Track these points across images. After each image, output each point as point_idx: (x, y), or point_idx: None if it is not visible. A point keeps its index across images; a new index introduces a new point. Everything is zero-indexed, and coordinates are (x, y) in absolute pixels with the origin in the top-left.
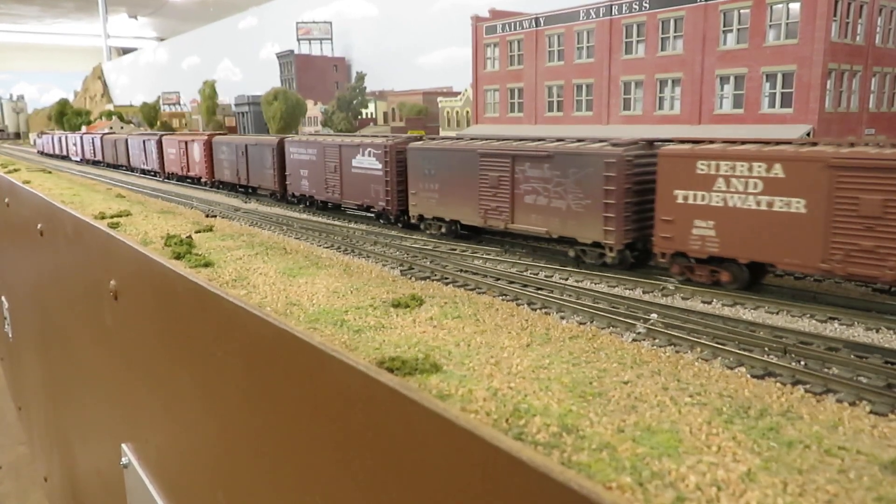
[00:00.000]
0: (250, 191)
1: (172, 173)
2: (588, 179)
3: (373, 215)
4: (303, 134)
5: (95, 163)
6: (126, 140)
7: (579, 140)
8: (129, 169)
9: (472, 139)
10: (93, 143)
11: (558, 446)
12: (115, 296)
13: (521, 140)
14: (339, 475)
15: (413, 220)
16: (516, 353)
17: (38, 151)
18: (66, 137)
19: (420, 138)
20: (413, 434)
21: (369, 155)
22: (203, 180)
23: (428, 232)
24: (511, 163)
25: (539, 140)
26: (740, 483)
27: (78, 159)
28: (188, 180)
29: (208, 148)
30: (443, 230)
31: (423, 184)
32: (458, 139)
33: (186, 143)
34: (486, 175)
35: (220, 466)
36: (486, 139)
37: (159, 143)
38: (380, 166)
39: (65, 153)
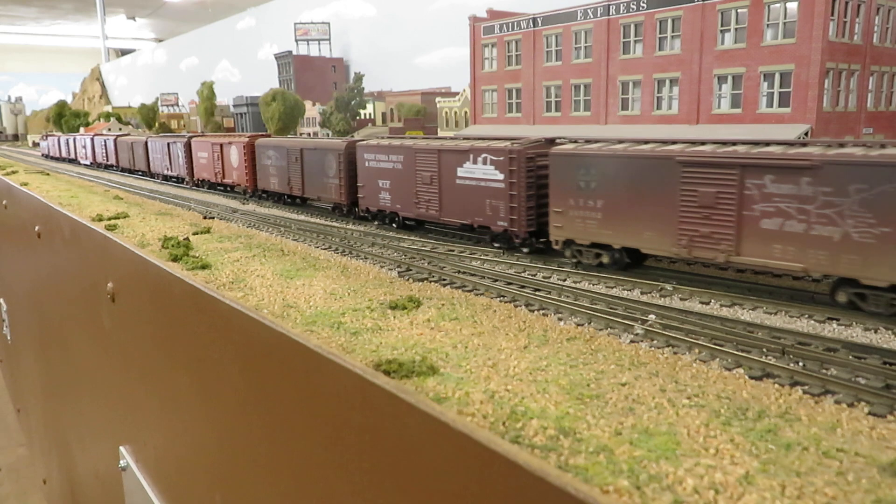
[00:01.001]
0: (299, 202)
1: (203, 180)
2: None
3: (483, 236)
4: (380, 136)
5: (107, 167)
6: (146, 143)
7: (856, 144)
8: (150, 175)
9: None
10: (105, 145)
11: (555, 449)
12: (112, 298)
13: (715, 143)
14: (336, 477)
15: (555, 246)
16: (514, 355)
17: (43, 155)
18: (75, 140)
19: (572, 141)
20: (409, 437)
21: (485, 163)
22: (242, 189)
23: (575, 260)
24: (739, 175)
25: (754, 143)
26: (738, 486)
27: (87, 163)
28: (220, 188)
29: (250, 152)
30: (603, 259)
31: (576, 200)
32: (631, 142)
33: (222, 146)
34: (694, 190)
35: (218, 468)
36: (622, 141)
37: (188, 147)
38: (501, 177)
39: (73, 156)
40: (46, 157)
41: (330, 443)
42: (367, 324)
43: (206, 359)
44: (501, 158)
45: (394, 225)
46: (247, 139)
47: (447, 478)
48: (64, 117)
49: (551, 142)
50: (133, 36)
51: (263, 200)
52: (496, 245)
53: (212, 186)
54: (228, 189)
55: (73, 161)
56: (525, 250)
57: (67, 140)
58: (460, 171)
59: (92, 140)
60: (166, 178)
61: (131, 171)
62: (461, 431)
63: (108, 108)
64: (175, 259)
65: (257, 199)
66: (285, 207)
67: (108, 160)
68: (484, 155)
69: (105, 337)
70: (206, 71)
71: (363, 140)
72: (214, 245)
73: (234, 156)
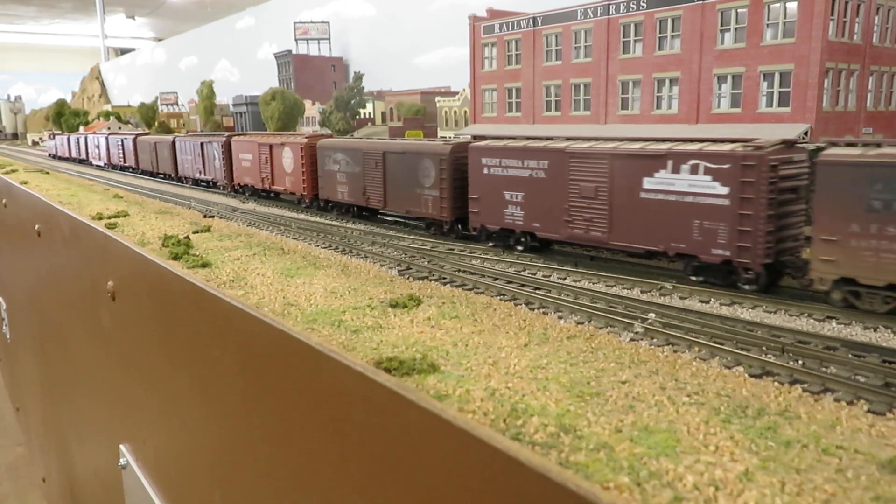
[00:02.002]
0: (365, 214)
1: (245, 185)
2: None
3: (672, 268)
4: (504, 137)
5: (123, 170)
6: (173, 143)
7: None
8: (177, 179)
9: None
10: (122, 146)
11: (556, 446)
12: (112, 296)
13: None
14: (337, 475)
15: (819, 286)
16: (514, 353)
17: (50, 155)
18: (86, 139)
19: (839, 144)
20: (410, 434)
21: (696, 172)
22: (297, 198)
23: (847, 305)
24: None
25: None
26: (738, 483)
27: (101, 164)
28: (263, 194)
29: (310, 155)
30: None
31: (865, 225)
32: None
33: (272, 147)
34: None
35: (218, 467)
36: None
37: (226, 148)
38: (724, 190)
39: (83, 157)
40: (53, 157)
41: (331, 440)
42: (368, 322)
43: (206, 357)
44: (726, 166)
45: (519, 248)
46: (305, 140)
47: (448, 475)
48: (63, 116)
49: (790, 145)
50: (132, 35)
51: (325, 212)
52: (699, 279)
53: (256, 193)
54: (272, 195)
55: (84, 162)
56: (748, 287)
57: (78, 139)
58: (648, 183)
59: (107, 140)
60: (196, 183)
61: (153, 175)
62: (462, 428)
63: (108, 107)
64: (175, 257)
65: (317, 211)
66: (273, 204)
67: (125, 161)
68: (694, 161)
69: (105, 336)
70: (206, 70)
71: (481, 142)
72: (215, 244)
73: (288, 159)
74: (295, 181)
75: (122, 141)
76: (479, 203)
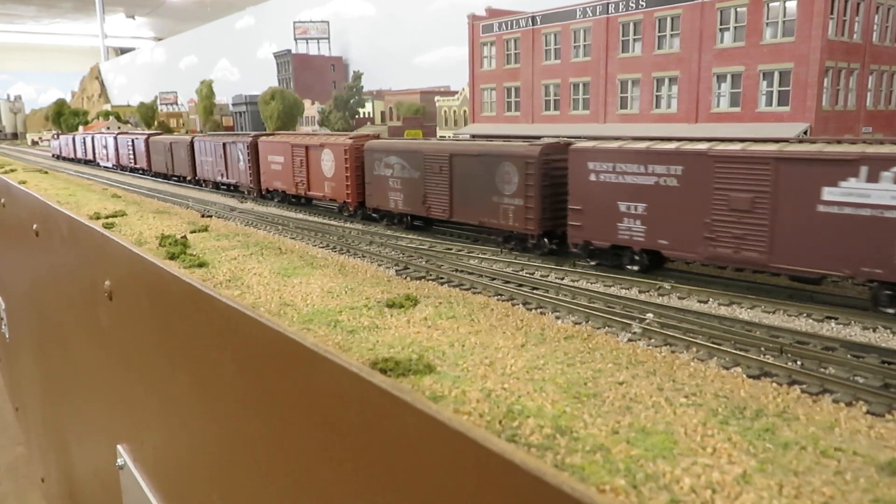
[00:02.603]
0: (419, 223)
1: (275, 191)
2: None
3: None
4: (613, 138)
5: (133, 171)
6: (191, 143)
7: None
8: (195, 182)
9: None
10: (132, 146)
11: (552, 448)
12: (109, 296)
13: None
14: (333, 476)
15: None
16: (511, 354)
17: (54, 156)
18: (93, 139)
19: None
20: (406, 436)
21: None
22: (339, 205)
23: None
24: None
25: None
26: (735, 485)
27: (109, 165)
28: (293, 200)
29: (355, 158)
30: None
31: None
32: None
33: (308, 149)
34: None
35: (216, 467)
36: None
37: (253, 149)
38: None
39: (90, 158)
40: (58, 157)
41: (327, 441)
42: (364, 322)
43: (203, 357)
44: None
45: (633, 267)
46: (350, 141)
47: (443, 476)
48: (63, 116)
49: None
50: (132, 35)
51: (372, 222)
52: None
53: (286, 199)
54: (303, 201)
55: (90, 163)
56: None
57: (84, 139)
58: (830, 193)
59: (115, 140)
60: (216, 187)
61: (167, 178)
62: (457, 430)
63: (108, 107)
64: (172, 257)
65: (363, 220)
66: (288, 206)
67: (135, 163)
68: None
69: (103, 335)
70: (205, 70)
71: (586, 144)
72: (212, 243)
73: (329, 162)
74: (336, 187)
75: (132, 141)
76: (583, 215)
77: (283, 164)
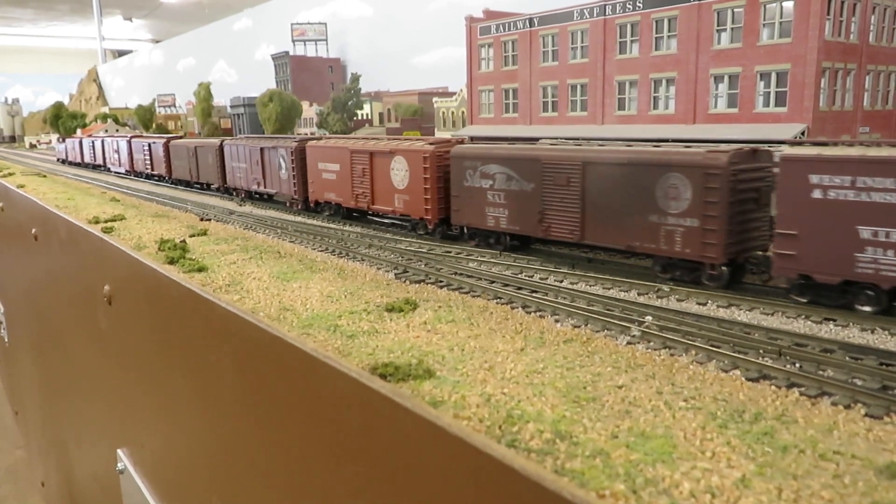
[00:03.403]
0: (544, 244)
1: (325, 203)
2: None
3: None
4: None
5: (150, 178)
6: (220, 148)
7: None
8: (226, 191)
9: None
10: (149, 151)
11: (552, 453)
12: (108, 301)
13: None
14: (333, 481)
15: None
16: (510, 358)
17: (60, 160)
18: (104, 142)
19: None
20: (405, 441)
21: None
22: (413, 222)
23: None
24: None
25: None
26: (735, 489)
27: (122, 171)
28: (350, 214)
29: (437, 167)
30: None
31: None
32: None
33: (373, 155)
34: None
35: (216, 471)
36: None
37: (299, 155)
38: None
39: (99, 162)
40: (63, 162)
41: (327, 446)
42: (364, 326)
43: (202, 362)
44: None
45: (867, 308)
46: (431, 147)
47: (443, 482)
48: (61, 119)
49: None
50: (130, 37)
51: (454, 241)
52: None
53: (339, 213)
54: (369, 213)
55: (99, 168)
56: None
57: (93, 143)
58: None
59: (129, 143)
60: (249, 196)
61: (189, 185)
62: (457, 436)
63: (105, 110)
64: (171, 262)
65: (447, 240)
66: (270, 206)
67: (152, 169)
68: None
69: (102, 339)
70: (203, 72)
71: (807, 150)
72: (211, 247)
73: (402, 172)
74: (412, 201)
75: (149, 145)
76: (799, 242)
77: (338, 172)
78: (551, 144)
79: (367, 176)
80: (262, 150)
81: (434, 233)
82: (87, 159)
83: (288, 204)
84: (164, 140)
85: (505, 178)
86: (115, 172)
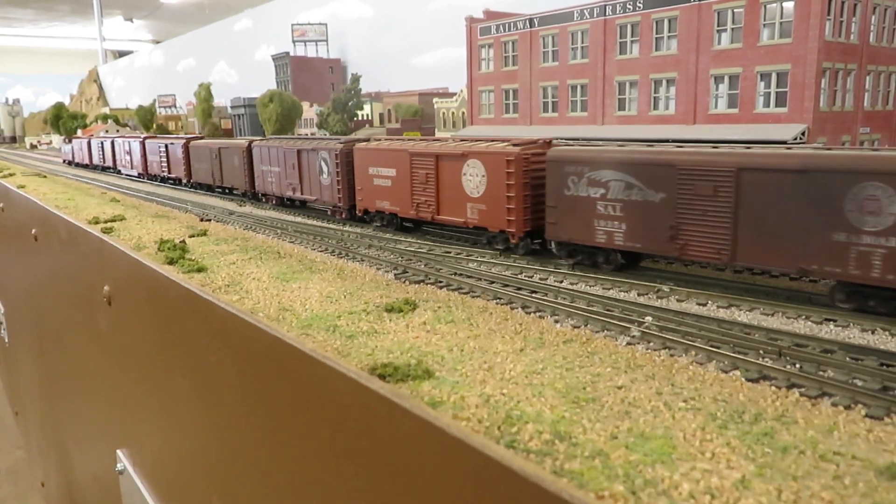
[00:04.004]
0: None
1: (376, 212)
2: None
3: None
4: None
5: (164, 181)
6: (248, 149)
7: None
8: (253, 196)
9: None
10: (165, 152)
11: (551, 454)
12: (108, 301)
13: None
14: (332, 482)
15: None
16: (510, 358)
17: (66, 161)
18: (114, 143)
19: None
20: (404, 442)
21: None
22: (491, 235)
23: None
24: None
25: None
26: (734, 490)
27: (134, 174)
28: (405, 224)
29: (523, 172)
30: None
31: None
32: None
33: (440, 159)
34: None
35: (215, 473)
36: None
37: (345, 158)
38: None
39: (108, 164)
40: (70, 163)
41: (326, 446)
42: (363, 327)
43: (202, 362)
44: None
45: None
46: (516, 149)
47: (442, 483)
48: (61, 119)
49: None
50: (130, 37)
51: (544, 257)
52: None
53: (392, 223)
54: (413, 225)
55: (108, 170)
56: None
57: (101, 144)
58: None
59: (143, 145)
60: (281, 203)
61: (211, 189)
62: (456, 437)
63: (106, 110)
64: (171, 262)
65: (530, 255)
66: (272, 207)
67: (169, 171)
68: None
69: (102, 340)
70: (204, 72)
71: None
72: (211, 248)
73: (477, 177)
74: (490, 211)
75: (166, 146)
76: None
77: (394, 178)
78: (649, 146)
79: (432, 182)
80: (299, 152)
81: (518, 248)
82: (96, 161)
83: (329, 212)
84: (184, 141)
85: (623, 187)
86: (127, 175)
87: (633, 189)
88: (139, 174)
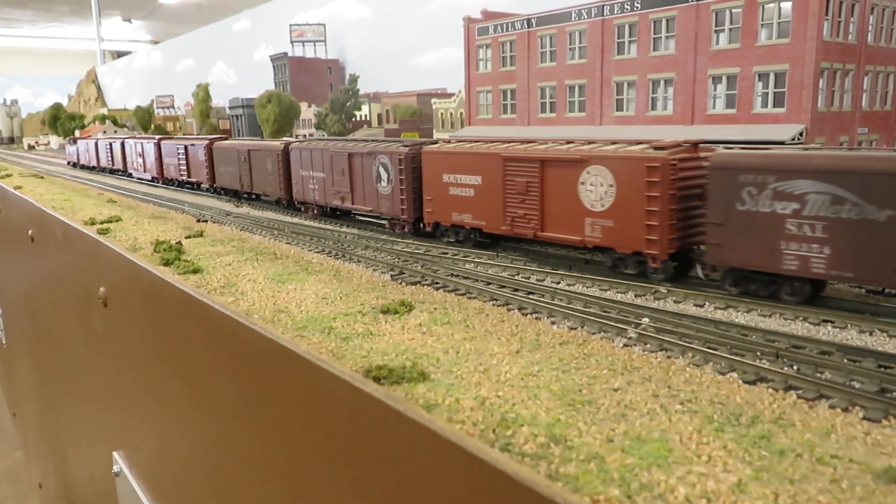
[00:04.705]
0: None
1: (452, 226)
2: None
3: None
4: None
5: (184, 186)
6: (285, 152)
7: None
8: (288, 204)
9: None
10: (185, 154)
11: (546, 457)
12: (104, 302)
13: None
14: (327, 485)
15: None
16: (505, 360)
17: (71, 163)
18: (124, 144)
19: None
20: (399, 445)
21: None
22: (623, 255)
23: None
24: None
25: None
26: (731, 494)
27: (148, 178)
28: (487, 240)
29: (670, 181)
30: None
31: None
32: None
33: (545, 164)
34: None
35: (211, 475)
36: None
37: (409, 164)
38: None
39: (118, 167)
40: (75, 165)
41: (321, 449)
42: (359, 329)
43: (198, 364)
44: None
45: None
46: (660, 154)
47: (436, 487)
48: (59, 120)
49: None
50: (129, 38)
51: (699, 287)
52: None
53: (470, 238)
54: (493, 240)
55: (117, 173)
56: None
57: (111, 145)
58: None
59: (158, 147)
60: (323, 213)
61: (238, 196)
62: (450, 440)
63: (104, 111)
64: (166, 263)
65: (677, 281)
66: (268, 208)
67: (189, 175)
68: None
69: (98, 342)
70: (202, 73)
71: None
72: (207, 249)
73: (601, 187)
74: (619, 228)
75: (185, 148)
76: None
77: (478, 187)
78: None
79: (535, 192)
80: (351, 156)
81: (660, 273)
82: (104, 163)
83: (388, 226)
84: (207, 142)
85: (828, 202)
86: (139, 179)
87: (843, 205)
88: (153, 178)
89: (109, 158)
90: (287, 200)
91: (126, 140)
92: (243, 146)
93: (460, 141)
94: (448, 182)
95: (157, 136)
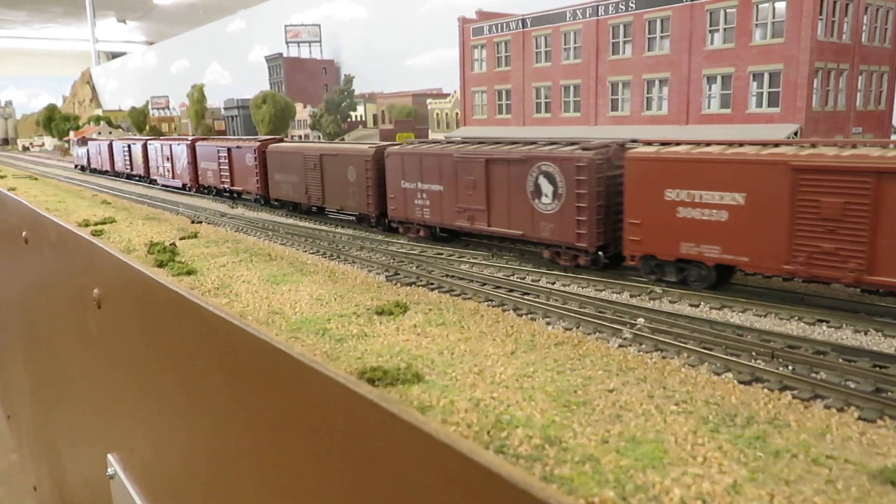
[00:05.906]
0: None
1: (681, 259)
2: None
3: None
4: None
5: (219, 194)
6: (378, 157)
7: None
8: (378, 223)
9: None
10: (227, 158)
11: (540, 459)
12: (98, 304)
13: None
14: (321, 487)
15: None
16: (500, 362)
17: (79, 167)
18: (146, 147)
19: None
20: (392, 447)
21: None
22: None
23: None
24: None
25: None
26: (726, 496)
27: (177, 185)
28: (718, 276)
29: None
30: None
31: None
32: None
33: (880, 175)
34: None
35: (205, 476)
36: None
37: (593, 172)
38: None
39: (137, 172)
40: (84, 169)
41: (315, 451)
42: (353, 330)
43: (191, 366)
44: None
45: None
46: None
47: (430, 489)
48: (54, 121)
49: None
50: (123, 39)
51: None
52: None
53: (706, 276)
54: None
55: (133, 178)
56: None
57: (129, 147)
58: None
59: (191, 149)
60: (433, 235)
61: (300, 209)
62: (444, 442)
63: (99, 112)
64: (160, 265)
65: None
66: (262, 209)
67: (233, 183)
68: None
69: (92, 343)
70: (197, 73)
71: None
72: (201, 250)
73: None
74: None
75: (228, 151)
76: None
77: (737, 209)
78: None
79: (860, 223)
80: (488, 162)
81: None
82: (120, 168)
83: (548, 256)
84: (258, 144)
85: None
86: (164, 186)
87: None
88: (185, 185)
89: (127, 162)
90: (376, 217)
91: (149, 142)
92: (312, 151)
93: (699, 143)
94: (674, 201)
95: (191, 137)
